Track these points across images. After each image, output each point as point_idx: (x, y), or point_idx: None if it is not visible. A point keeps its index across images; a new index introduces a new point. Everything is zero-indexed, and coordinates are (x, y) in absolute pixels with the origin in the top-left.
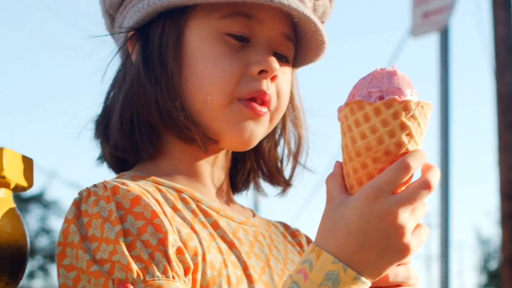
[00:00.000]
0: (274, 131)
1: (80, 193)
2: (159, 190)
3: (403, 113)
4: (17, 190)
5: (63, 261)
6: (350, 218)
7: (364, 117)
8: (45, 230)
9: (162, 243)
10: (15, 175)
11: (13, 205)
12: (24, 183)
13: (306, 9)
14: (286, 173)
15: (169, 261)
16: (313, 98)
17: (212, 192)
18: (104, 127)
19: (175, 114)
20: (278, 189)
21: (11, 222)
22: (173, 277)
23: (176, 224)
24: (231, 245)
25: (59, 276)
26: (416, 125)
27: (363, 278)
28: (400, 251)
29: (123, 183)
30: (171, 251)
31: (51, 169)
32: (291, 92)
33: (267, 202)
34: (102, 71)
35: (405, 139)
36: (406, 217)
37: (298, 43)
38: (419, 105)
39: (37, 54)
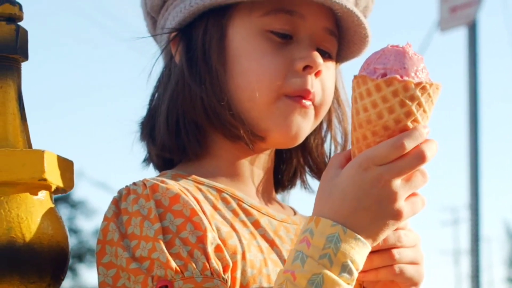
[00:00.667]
0: (320, 127)
1: (120, 192)
2: (199, 190)
3: (403, 92)
4: (57, 192)
5: (102, 259)
6: (344, 185)
7: (366, 91)
8: (72, 230)
9: (201, 240)
10: (56, 178)
11: (54, 207)
12: (64, 185)
13: (349, 3)
14: None
15: (208, 258)
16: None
17: (254, 190)
18: (150, 128)
19: (221, 112)
20: None
21: (53, 224)
22: (212, 275)
23: (216, 222)
24: (272, 244)
25: (98, 274)
26: (417, 105)
27: (363, 239)
28: (393, 215)
29: (162, 181)
30: (210, 249)
31: (79, 169)
32: (336, 88)
33: (293, 198)
34: (146, 73)
35: (404, 116)
36: (399, 184)
37: (341, 38)
38: (420, 86)
39: (68, 51)
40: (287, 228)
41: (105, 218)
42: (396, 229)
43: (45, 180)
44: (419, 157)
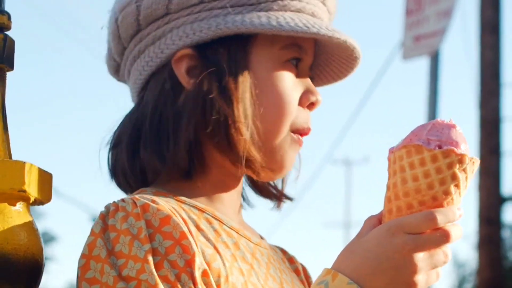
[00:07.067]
0: None
1: (107, 207)
2: (182, 209)
3: (458, 165)
4: (35, 204)
5: (86, 274)
6: (369, 244)
7: (420, 161)
8: None
9: (189, 264)
10: (35, 190)
11: (31, 218)
12: (42, 198)
13: (358, 45)
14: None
15: (194, 283)
16: None
17: (231, 213)
18: (134, 138)
19: (243, 137)
20: (273, 203)
21: (29, 236)
22: None
23: (200, 244)
24: (251, 267)
25: None
26: (464, 179)
27: None
28: (407, 285)
29: (153, 201)
30: (197, 273)
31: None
32: None
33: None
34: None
35: (453, 189)
36: (421, 257)
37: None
38: (471, 161)
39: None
40: (262, 252)
41: (92, 232)
42: None
43: (24, 191)
44: (444, 236)
